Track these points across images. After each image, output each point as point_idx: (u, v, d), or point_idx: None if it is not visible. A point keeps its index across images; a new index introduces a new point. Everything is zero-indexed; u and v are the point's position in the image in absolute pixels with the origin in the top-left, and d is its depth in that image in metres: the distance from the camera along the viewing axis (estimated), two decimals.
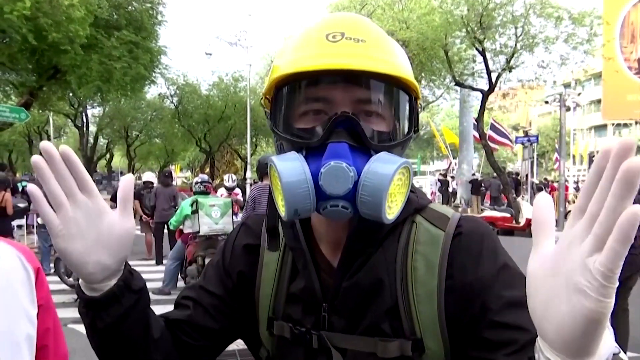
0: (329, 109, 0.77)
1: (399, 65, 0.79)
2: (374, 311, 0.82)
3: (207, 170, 28.56)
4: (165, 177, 10.37)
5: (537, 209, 0.56)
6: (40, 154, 0.68)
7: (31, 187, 0.68)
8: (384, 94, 0.79)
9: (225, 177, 10.17)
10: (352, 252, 0.83)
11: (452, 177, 23.38)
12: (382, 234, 0.84)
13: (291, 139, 0.80)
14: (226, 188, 9.68)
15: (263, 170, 5.27)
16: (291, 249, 0.90)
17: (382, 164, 0.72)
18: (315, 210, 0.74)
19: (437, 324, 0.79)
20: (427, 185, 24.50)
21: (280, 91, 0.82)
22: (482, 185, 20.68)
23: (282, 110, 0.82)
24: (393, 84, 0.79)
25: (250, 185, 18.76)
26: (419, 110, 0.82)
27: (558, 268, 0.52)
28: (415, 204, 0.86)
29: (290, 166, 0.74)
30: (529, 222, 13.79)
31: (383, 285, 0.82)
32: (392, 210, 0.74)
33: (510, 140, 21.74)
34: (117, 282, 0.77)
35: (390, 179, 0.70)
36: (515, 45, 13.23)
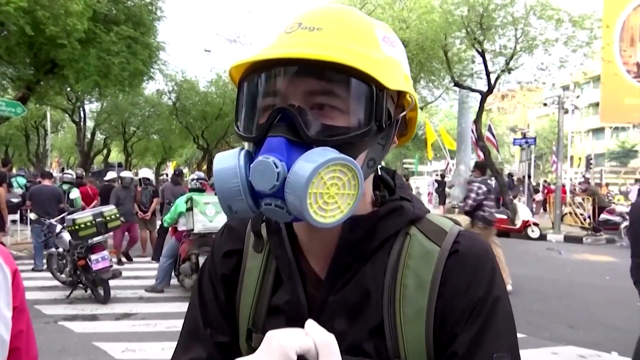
0: (281, 102, 0.71)
1: (358, 53, 0.70)
2: (358, 329, 0.76)
3: (205, 167, 28.49)
4: (176, 176, 10.71)
5: None
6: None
7: None
8: (337, 85, 0.70)
9: None
10: (340, 265, 0.78)
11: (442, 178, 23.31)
12: (373, 247, 0.78)
13: (241, 135, 0.77)
14: None
15: None
16: (276, 257, 0.84)
17: (307, 160, 0.65)
18: (255, 209, 0.71)
19: (424, 345, 0.73)
20: (425, 185, 24.51)
21: (240, 88, 0.77)
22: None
23: (239, 106, 0.78)
24: (348, 74, 0.69)
25: None
26: (383, 102, 0.72)
27: None
28: (410, 215, 0.80)
29: (224, 162, 0.72)
30: (525, 224, 13.82)
31: (370, 301, 0.77)
32: (328, 213, 0.67)
33: (496, 147, 22.05)
34: None
35: (308, 177, 0.63)
36: (515, 46, 13.21)
